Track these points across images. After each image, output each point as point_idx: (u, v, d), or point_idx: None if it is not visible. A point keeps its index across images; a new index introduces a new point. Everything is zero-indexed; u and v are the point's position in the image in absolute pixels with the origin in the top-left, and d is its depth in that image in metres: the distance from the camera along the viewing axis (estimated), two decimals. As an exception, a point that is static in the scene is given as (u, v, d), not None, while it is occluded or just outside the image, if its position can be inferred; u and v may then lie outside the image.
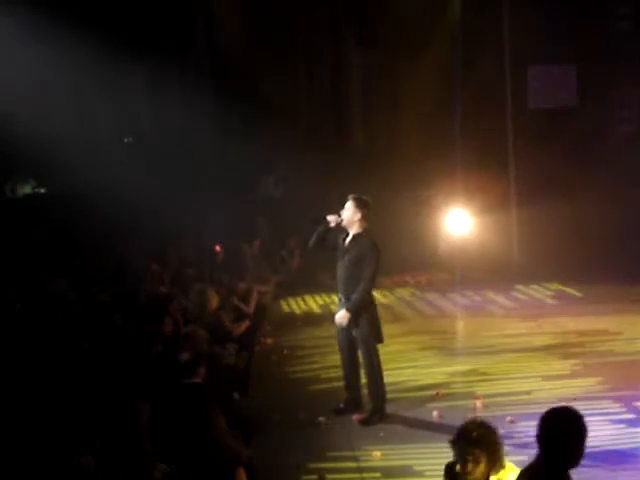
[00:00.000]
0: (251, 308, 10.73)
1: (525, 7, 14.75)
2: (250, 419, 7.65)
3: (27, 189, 16.10)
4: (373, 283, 8.20)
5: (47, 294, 9.71)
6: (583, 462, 4.26)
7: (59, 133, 13.96)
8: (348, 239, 8.25)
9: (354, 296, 8.08)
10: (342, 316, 8.13)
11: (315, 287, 13.79)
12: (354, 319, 8.11)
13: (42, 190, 16.22)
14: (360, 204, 8.16)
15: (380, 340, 8.27)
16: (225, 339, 9.00)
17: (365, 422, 8.15)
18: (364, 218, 8.19)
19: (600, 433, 7.17)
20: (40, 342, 8.03)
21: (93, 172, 14.07)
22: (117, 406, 5.96)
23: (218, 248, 13.03)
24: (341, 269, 8.26)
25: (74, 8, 14.23)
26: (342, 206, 8.26)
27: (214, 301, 9.59)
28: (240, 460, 6.17)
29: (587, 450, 4.26)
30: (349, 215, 8.16)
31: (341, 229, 8.28)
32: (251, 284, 11.76)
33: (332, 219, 8.19)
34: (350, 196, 8.23)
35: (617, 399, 8.30)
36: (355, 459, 7.34)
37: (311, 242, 8.38)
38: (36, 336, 8.22)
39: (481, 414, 8.22)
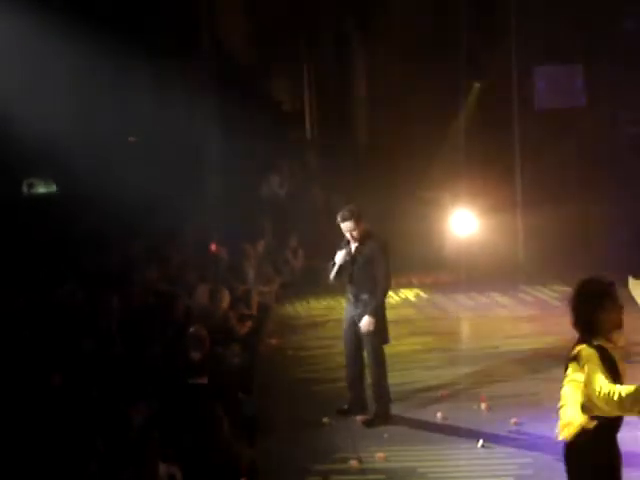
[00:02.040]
0: (253, 310, 10.67)
1: (531, 7, 14.67)
2: (254, 420, 7.63)
3: (43, 188, 15.99)
4: (390, 282, 8.20)
5: (51, 292, 9.68)
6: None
7: (61, 132, 13.92)
8: (355, 244, 8.20)
9: (374, 300, 8.02)
10: (367, 323, 8.03)
11: (319, 287, 13.72)
12: (370, 321, 8.05)
13: (54, 189, 16.16)
14: (353, 216, 8.07)
15: (386, 341, 8.24)
16: (230, 339, 8.97)
17: (369, 423, 8.11)
18: (362, 223, 8.12)
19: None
20: (42, 340, 8.00)
21: (96, 171, 14.02)
22: (113, 408, 5.93)
23: (214, 247, 12.97)
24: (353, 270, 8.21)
25: (77, 6, 14.20)
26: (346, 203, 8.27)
27: (226, 301, 9.57)
28: (242, 469, 6.12)
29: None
30: (355, 232, 8.06)
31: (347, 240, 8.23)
32: (250, 286, 11.69)
33: (341, 257, 8.13)
34: (339, 216, 8.09)
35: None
36: (359, 461, 7.29)
37: (332, 277, 8.29)
38: (38, 333, 8.20)
39: (486, 416, 8.21)
